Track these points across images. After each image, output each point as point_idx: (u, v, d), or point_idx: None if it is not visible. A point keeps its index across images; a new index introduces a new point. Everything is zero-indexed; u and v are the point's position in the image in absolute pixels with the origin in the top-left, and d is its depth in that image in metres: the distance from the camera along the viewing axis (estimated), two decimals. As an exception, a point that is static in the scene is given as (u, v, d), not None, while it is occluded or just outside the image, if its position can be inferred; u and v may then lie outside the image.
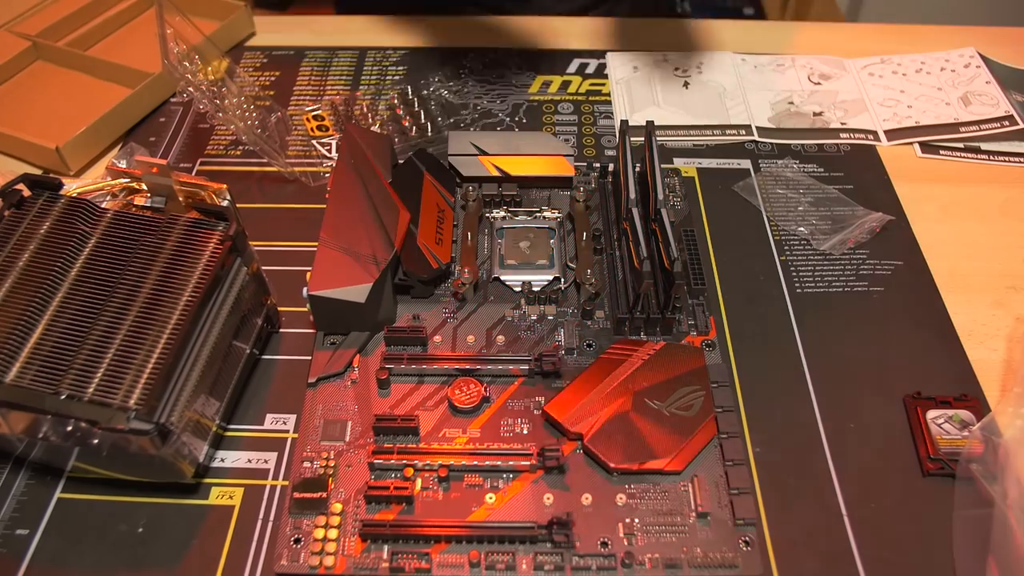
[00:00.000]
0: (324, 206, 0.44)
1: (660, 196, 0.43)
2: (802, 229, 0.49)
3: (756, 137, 0.56)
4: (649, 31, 0.66)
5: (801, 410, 0.40)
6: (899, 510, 0.37)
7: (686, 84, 0.59)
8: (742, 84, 0.60)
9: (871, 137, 0.56)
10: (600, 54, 0.63)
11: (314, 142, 0.54)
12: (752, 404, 0.40)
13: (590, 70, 0.62)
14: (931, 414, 0.39)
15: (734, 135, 0.56)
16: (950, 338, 0.43)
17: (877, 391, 0.41)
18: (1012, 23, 0.67)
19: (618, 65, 0.61)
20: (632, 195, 0.44)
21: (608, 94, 0.60)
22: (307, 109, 0.57)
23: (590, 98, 0.60)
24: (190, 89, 0.51)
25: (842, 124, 0.57)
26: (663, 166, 0.51)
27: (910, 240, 0.49)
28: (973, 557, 0.34)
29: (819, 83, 0.60)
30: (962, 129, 0.56)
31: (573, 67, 0.62)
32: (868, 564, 0.35)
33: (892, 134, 0.56)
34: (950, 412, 0.39)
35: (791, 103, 0.58)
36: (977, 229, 0.50)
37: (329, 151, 0.54)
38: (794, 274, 0.47)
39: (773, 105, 0.58)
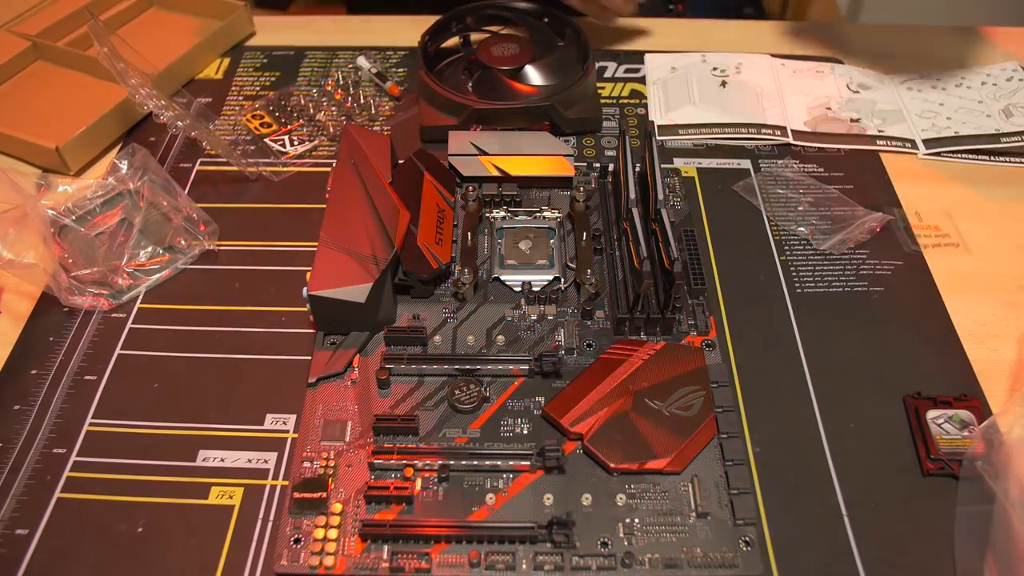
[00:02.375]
0: (324, 206, 0.44)
1: (660, 196, 0.43)
2: (802, 229, 0.49)
3: (791, 140, 0.55)
4: (647, 31, 0.66)
5: (801, 410, 0.40)
6: (899, 510, 0.37)
7: (723, 83, 0.59)
8: (780, 88, 0.59)
9: (909, 146, 0.55)
10: (600, 55, 0.63)
11: (266, 140, 0.55)
12: (752, 404, 0.40)
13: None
14: (931, 414, 0.39)
15: (769, 135, 0.55)
16: (950, 338, 0.43)
17: (877, 391, 0.41)
18: (1013, 23, 0.67)
19: (655, 67, 0.61)
20: (632, 195, 0.44)
21: (610, 96, 0.60)
22: (245, 111, 0.58)
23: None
24: (163, 113, 0.51)
25: (879, 131, 0.56)
26: (663, 166, 0.51)
27: (910, 240, 0.49)
28: (974, 554, 0.34)
29: (857, 91, 0.59)
30: (1003, 140, 0.55)
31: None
32: (868, 564, 0.35)
33: (931, 143, 0.55)
34: (950, 412, 0.39)
35: (828, 108, 0.58)
36: (977, 229, 0.50)
37: (283, 146, 0.55)
38: (794, 274, 0.47)
39: (810, 109, 0.57)
